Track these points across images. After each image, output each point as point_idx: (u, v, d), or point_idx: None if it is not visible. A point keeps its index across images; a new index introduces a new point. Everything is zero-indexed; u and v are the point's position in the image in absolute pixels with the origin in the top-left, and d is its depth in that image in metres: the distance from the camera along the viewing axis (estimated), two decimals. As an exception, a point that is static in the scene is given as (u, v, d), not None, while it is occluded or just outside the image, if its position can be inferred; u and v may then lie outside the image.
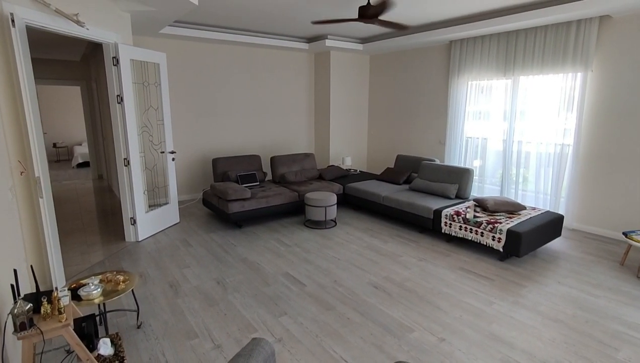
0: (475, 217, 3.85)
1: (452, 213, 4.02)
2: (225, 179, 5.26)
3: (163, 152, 4.60)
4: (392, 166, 6.90)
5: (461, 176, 4.61)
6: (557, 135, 4.55)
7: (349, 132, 7.13)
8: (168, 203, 4.70)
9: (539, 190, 4.81)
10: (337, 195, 5.43)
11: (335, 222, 4.92)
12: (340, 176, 5.91)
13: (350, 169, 6.51)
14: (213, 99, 5.95)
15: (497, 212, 3.94)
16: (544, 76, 4.60)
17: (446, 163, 5.85)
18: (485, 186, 5.42)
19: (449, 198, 4.58)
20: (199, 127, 5.91)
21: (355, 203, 5.35)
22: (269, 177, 6.92)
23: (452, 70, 5.57)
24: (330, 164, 6.51)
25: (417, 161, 5.55)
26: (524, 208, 3.97)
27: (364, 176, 6.00)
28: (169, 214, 4.70)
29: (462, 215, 3.92)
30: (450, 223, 4.01)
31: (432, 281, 3.24)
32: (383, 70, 6.88)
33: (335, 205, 4.74)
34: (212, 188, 4.83)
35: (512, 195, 5.09)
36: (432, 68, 6.00)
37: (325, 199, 4.58)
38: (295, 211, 5.40)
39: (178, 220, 4.87)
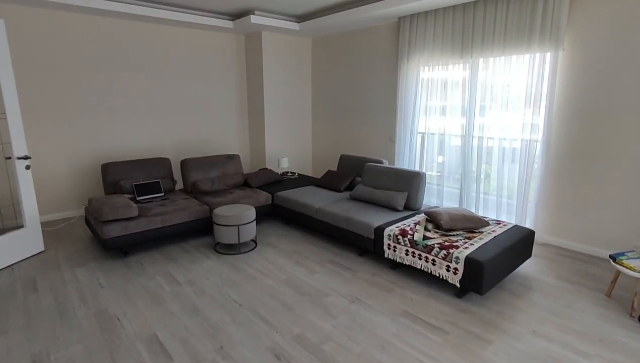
0: (425, 238, 2.93)
1: (396, 232, 3.08)
2: (118, 191, 4.06)
3: (9, 158, 3.34)
4: (336, 168, 5.94)
5: (411, 182, 3.69)
6: (523, 129, 3.74)
7: (289, 129, 6.09)
8: (23, 226, 3.44)
9: (502, 194, 3.99)
10: (263, 206, 4.38)
11: (255, 242, 3.87)
12: (272, 182, 4.86)
13: (287, 173, 5.48)
14: (107, 89, 4.69)
15: (453, 230, 3.04)
16: (507, 58, 3.77)
17: (397, 164, 4.94)
18: (444, 189, 4.56)
19: (396, 210, 3.65)
20: (88, 126, 4.63)
21: (285, 215, 4.32)
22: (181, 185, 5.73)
23: (402, 53, 4.66)
24: (263, 167, 5.44)
25: (362, 162, 4.60)
26: (486, 224, 3.10)
27: (301, 181, 4.99)
28: (25, 241, 3.45)
29: (409, 236, 2.98)
30: (395, 246, 3.07)
31: (363, 339, 2.27)
32: (327, 57, 5.89)
33: (254, 222, 3.69)
34: (89, 204, 3.63)
35: (473, 199, 4.26)
36: (380, 52, 5.07)
37: (239, 215, 3.51)
38: (208, 229, 4.29)
39: (42, 249, 3.62)
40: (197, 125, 5.53)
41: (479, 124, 4.11)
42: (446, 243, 2.80)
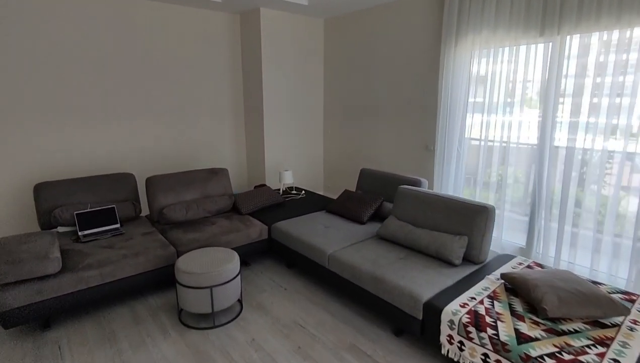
0: (520, 336, 1.69)
1: (465, 318, 1.84)
2: (55, 222, 2.92)
3: None
4: (355, 186, 4.72)
5: (473, 221, 2.44)
6: (636, 135, 2.46)
7: (295, 135, 4.87)
8: None
9: (604, 230, 2.72)
10: (256, 242, 3.19)
11: (241, 304, 2.67)
12: (271, 205, 3.66)
13: (291, 190, 4.27)
14: (53, 83, 3.54)
15: (564, 319, 1.79)
16: (622, 31, 2.48)
17: (439, 184, 3.69)
18: (504, 215, 3.29)
19: (451, 264, 2.41)
20: (25, 132, 3.49)
21: (286, 255, 3.12)
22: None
23: (447, 33, 3.39)
24: (260, 184, 4.22)
25: (390, 181, 3.36)
26: (622, 310, 1.82)
27: (310, 203, 3.77)
28: None
29: (490, 330, 1.75)
30: (462, 342, 1.84)
31: None
32: (343, 42, 4.64)
33: (238, 278, 2.49)
34: (-2, 249, 2.48)
35: (552, 234, 2.99)
36: (415, 33, 3.81)
37: (213, 274, 2.31)
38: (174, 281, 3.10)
39: None
40: (176, 131, 4.35)
41: (566, 130, 2.83)
42: (565, 355, 1.55)
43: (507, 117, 3.13)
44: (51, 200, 3.01)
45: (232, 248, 3.05)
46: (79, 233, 2.89)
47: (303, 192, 4.17)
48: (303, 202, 3.82)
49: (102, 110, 3.82)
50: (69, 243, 2.75)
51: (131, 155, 4.06)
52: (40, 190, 3.00)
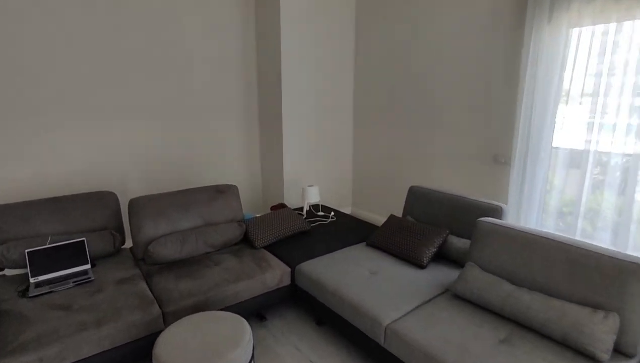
0: None
1: None
2: (8, 259, 2.11)
3: None
4: (402, 210, 3.87)
5: (624, 285, 1.52)
6: None
7: (320, 143, 4.01)
8: None
9: None
10: (275, 291, 2.33)
11: (254, 399, 1.82)
12: (293, 234, 2.79)
13: (317, 212, 3.40)
14: (18, 75, 2.76)
15: None
16: None
17: (518, 212, 2.76)
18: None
19: (592, 358, 1.49)
20: (-16, 132, 2.72)
21: (316, 309, 2.25)
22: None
23: (538, 6, 2.48)
24: (279, 204, 3.34)
25: (457, 206, 2.46)
26: None
27: (343, 230, 2.89)
28: None
29: None
30: None
31: None
32: (382, 29, 3.76)
33: (251, 364, 1.64)
34: None
35: None
36: (484, 11, 2.91)
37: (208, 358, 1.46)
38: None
39: None
40: (175, 138, 3.54)
41: None
42: None
43: (634, 120, 2.19)
44: (-2, 231, 2.21)
45: (244, 301, 2.20)
46: (30, 279, 2.08)
47: (332, 213, 3.29)
48: (334, 229, 2.94)
49: (79, 108, 3.02)
50: (11, 298, 1.94)
51: (116, 168, 3.25)
52: (-16, 217, 2.20)
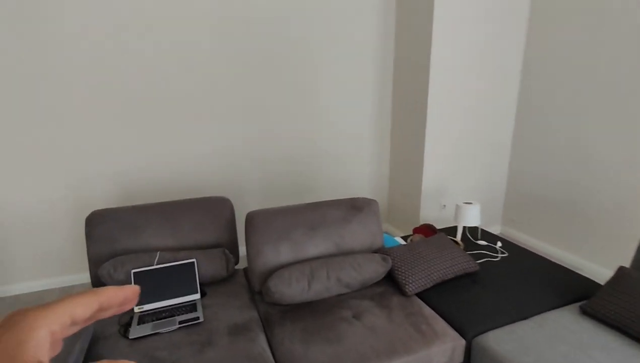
0: None
1: None
2: (106, 283, 1.76)
3: None
4: (593, 247, 2.73)
5: None
6: None
7: (470, 148, 3.08)
8: None
9: None
10: (443, 371, 1.55)
11: None
12: (457, 277, 1.95)
13: (475, 238, 2.48)
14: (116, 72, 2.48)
15: None
16: None
17: None
18: None
19: None
20: (74, 135, 2.51)
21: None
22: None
23: None
24: (426, 225, 2.50)
25: None
26: None
27: (527, 278, 1.94)
28: None
29: None
30: None
31: None
32: (573, 14, 2.63)
33: None
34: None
35: None
36: None
37: None
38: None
39: None
40: (291, 137, 2.99)
41: None
42: None
43: None
44: (105, 241, 1.87)
45: (396, 385, 1.47)
46: (135, 308, 1.68)
47: (499, 244, 2.35)
48: (513, 273, 2.02)
49: (200, 108, 2.64)
50: (112, 336, 1.53)
51: (223, 170, 2.84)
52: (93, 224, 1.88)
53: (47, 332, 0.21)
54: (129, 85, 2.49)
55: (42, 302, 2.46)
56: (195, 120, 2.69)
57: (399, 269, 1.90)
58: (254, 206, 3.00)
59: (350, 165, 3.28)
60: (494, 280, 1.96)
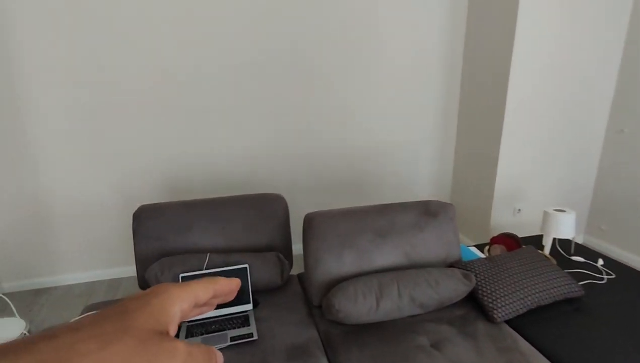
0: None
1: None
2: (151, 280, 1.61)
3: None
4: None
5: None
6: None
7: (552, 150, 2.65)
8: None
9: None
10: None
11: None
12: (554, 302, 1.61)
13: (568, 252, 2.08)
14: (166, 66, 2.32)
15: None
16: None
17: None
18: None
19: None
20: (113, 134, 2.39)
21: None
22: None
23: None
24: (503, 235, 2.14)
25: None
26: None
27: (638, 300, 1.57)
28: None
29: None
30: None
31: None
32: None
33: None
34: None
35: None
36: None
37: None
38: None
39: None
40: (347, 129, 2.73)
41: None
42: None
43: None
44: (152, 239, 1.72)
45: None
46: (187, 324, 1.51)
47: (601, 262, 1.94)
48: (624, 299, 1.63)
49: (238, 100, 2.45)
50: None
51: (272, 165, 2.64)
52: (141, 219, 1.74)
53: (179, 308, 0.24)
54: (179, 79, 2.34)
55: (94, 293, 2.41)
56: (244, 113, 2.51)
57: (484, 289, 1.59)
58: (304, 204, 2.78)
59: (408, 162, 2.96)
60: (602, 308, 1.59)
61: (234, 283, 0.30)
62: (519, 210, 2.72)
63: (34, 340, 0.19)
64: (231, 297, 0.30)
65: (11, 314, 2.10)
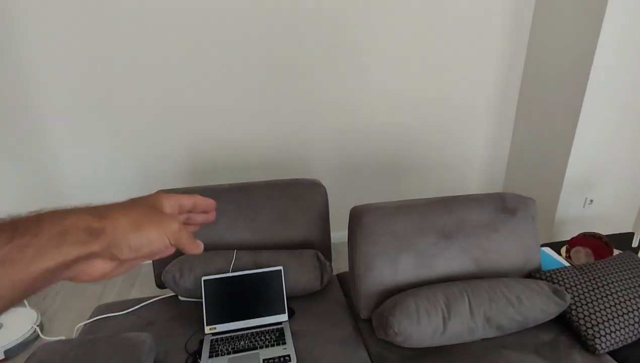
0: None
1: None
2: (170, 288, 1.36)
3: None
4: None
5: None
6: None
7: (625, 141, 2.19)
8: None
9: None
10: None
11: None
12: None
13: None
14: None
15: None
16: None
17: None
18: None
19: None
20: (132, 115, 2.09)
21: None
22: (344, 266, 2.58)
23: None
24: (587, 233, 1.78)
25: None
26: None
27: None
28: None
29: None
30: None
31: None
32: None
33: None
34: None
35: None
36: None
37: None
38: None
39: None
40: (387, 104, 2.35)
41: None
42: None
43: None
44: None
45: None
46: (206, 328, 1.26)
47: None
48: None
49: (267, 79, 2.11)
50: (174, 375, 1.12)
51: (303, 146, 2.32)
52: (157, 209, 1.47)
53: (169, 204, 0.37)
54: (208, 55, 2.02)
55: (108, 283, 2.23)
56: (274, 91, 2.18)
57: (579, 309, 1.26)
58: (339, 191, 2.47)
59: (457, 144, 2.58)
60: None
61: (210, 202, 0.41)
62: (592, 201, 2.32)
63: (78, 208, 0.31)
64: (212, 218, 0.43)
65: (22, 304, 1.93)
